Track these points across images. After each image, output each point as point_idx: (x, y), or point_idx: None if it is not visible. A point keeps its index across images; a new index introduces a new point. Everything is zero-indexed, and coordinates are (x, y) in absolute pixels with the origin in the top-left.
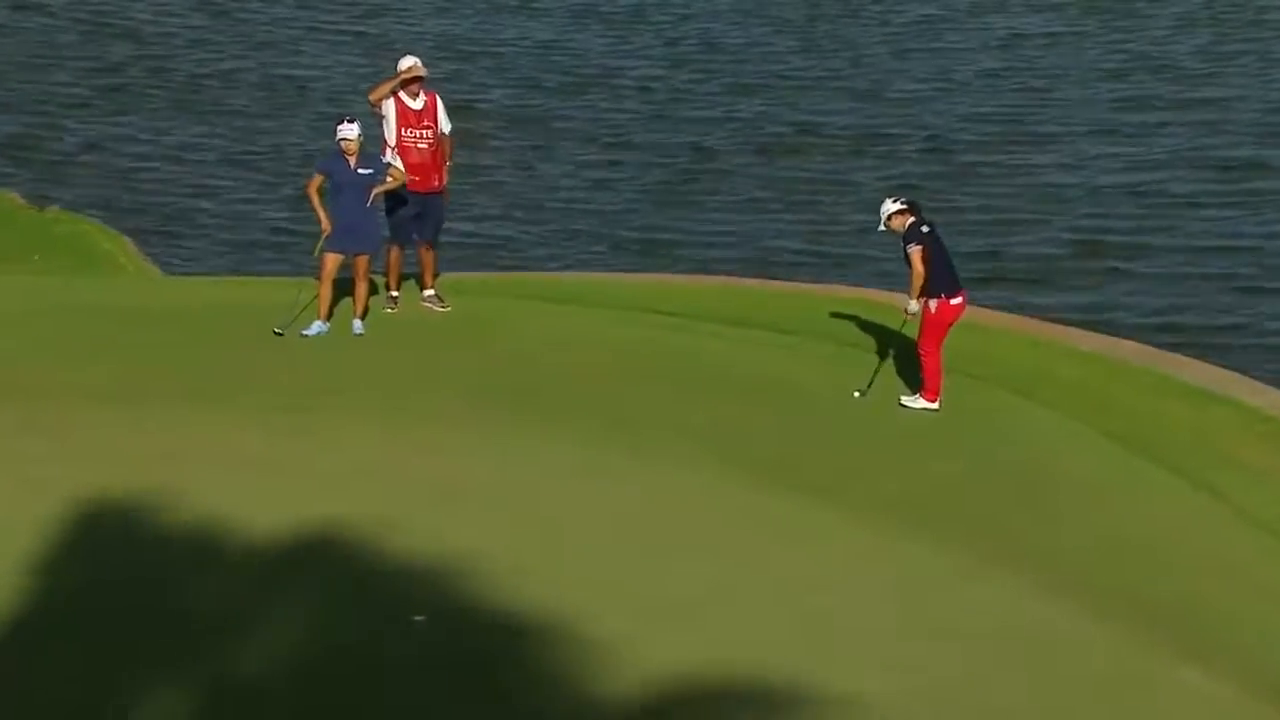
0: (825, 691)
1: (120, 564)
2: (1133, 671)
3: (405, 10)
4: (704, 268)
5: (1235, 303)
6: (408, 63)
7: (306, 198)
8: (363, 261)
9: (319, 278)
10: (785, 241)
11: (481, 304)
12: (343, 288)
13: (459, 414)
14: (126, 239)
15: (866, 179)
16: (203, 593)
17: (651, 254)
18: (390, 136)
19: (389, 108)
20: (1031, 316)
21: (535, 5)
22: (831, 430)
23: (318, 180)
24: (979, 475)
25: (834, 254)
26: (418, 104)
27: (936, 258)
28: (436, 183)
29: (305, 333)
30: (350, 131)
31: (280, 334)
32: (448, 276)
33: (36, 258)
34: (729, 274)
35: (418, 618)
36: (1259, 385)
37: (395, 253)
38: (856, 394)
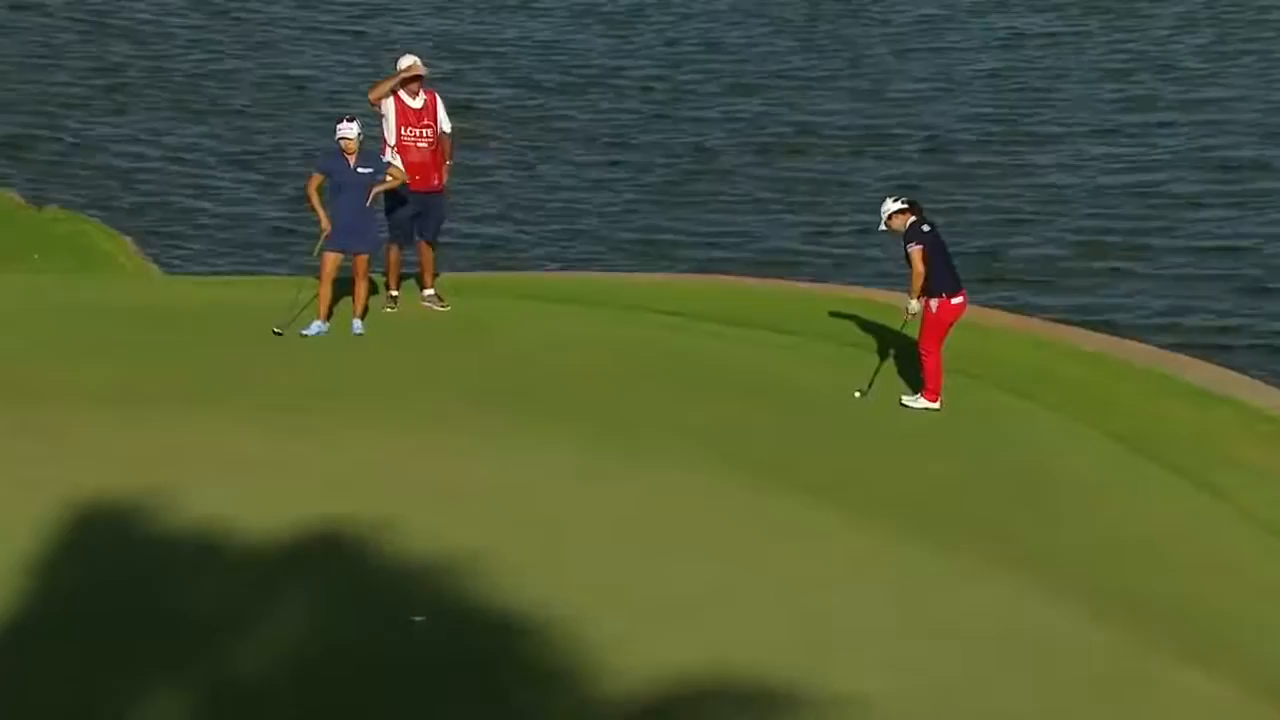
0: (825, 692)
1: (119, 565)
2: (1133, 672)
3: (404, 10)
4: (704, 268)
5: (1237, 303)
6: (407, 61)
7: (306, 197)
8: (362, 261)
9: (319, 277)
10: (786, 242)
11: (481, 304)
12: (342, 287)
13: (459, 414)
14: (126, 238)
15: (867, 179)
16: (202, 594)
17: (652, 254)
18: (390, 135)
19: (388, 107)
20: (1033, 317)
21: (535, 5)
22: (832, 430)
23: (317, 180)
24: (980, 476)
25: (835, 254)
26: (417, 103)
27: (937, 257)
28: (436, 182)
29: (305, 332)
30: (350, 130)
31: (279, 334)
32: (447, 276)
33: (36, 257)
34: (729, 274)
35: (417, 618)
36: (1261, 385)
37: (395, 252)
38: (857, 394)
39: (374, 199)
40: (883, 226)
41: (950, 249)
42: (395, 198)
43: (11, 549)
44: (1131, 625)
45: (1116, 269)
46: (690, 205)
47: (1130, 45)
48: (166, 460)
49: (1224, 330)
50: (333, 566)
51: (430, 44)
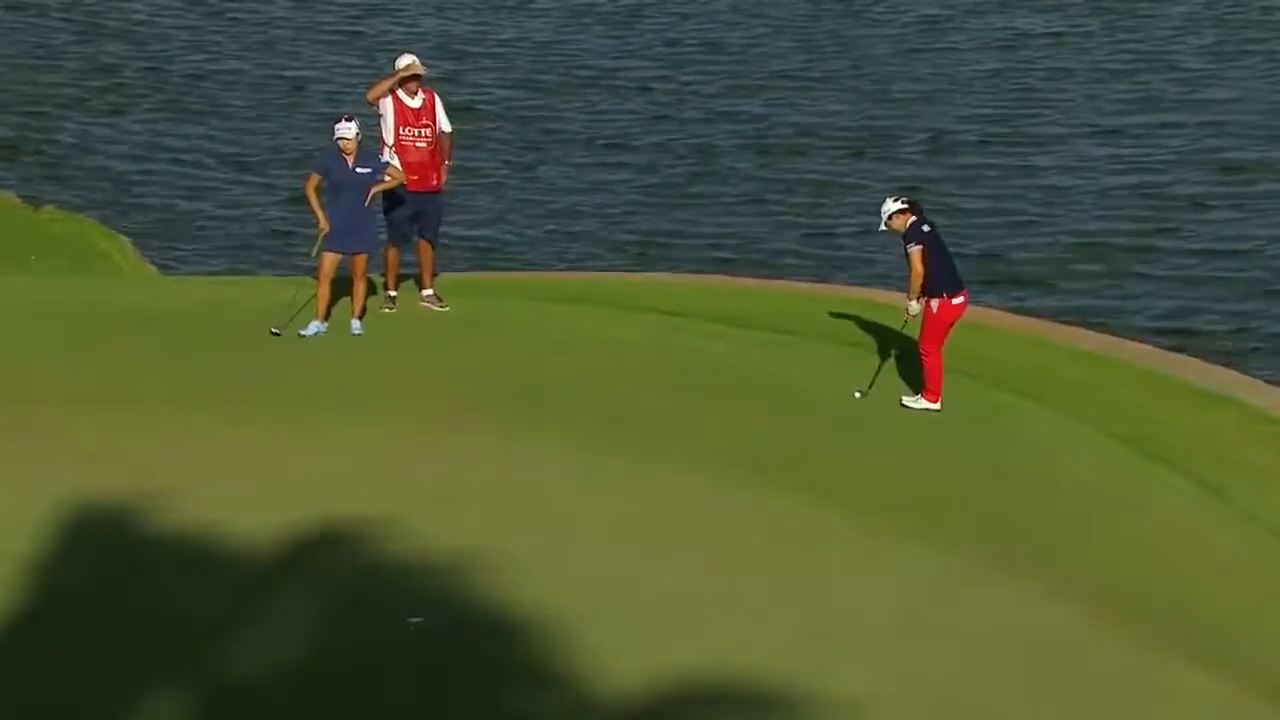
0: (826, 692)
1: (117, 565)
2: (1134, 672)
3: (402, 9)
4: (705, 269)
5: (1240, 304)
6: (405, 61)
7: (304, 197)
8: (360, 261)
9: (317, 277)
10: (786, 243)
11: (480, 304)
12: (341, 288)
13: (458, 415)
14: (123, 239)
15: (868, 180)
16: (200, 594)
17: (652, 255)
18: (388, 135)
19: (387, 106)
20: (1035, 318)
21: (534, 5)
22: (832, 431)
23: (315, 180)
24: (981, 476)
25: (835, 255)
26: (416, 102)
27: (938, 257)
28: (435, 182)
29: (303, 333)
30: (348, 130)
31: (278, 334)
32: (446, 276)
33: (33, 258)
34: (730, 274)
35: (416, 619)
36: (1263, 386)
37: (393, 252)
38: (858, 394)
39: (372, 199)
40: (883, 227)
41: (952, 250)
42: (394, 198)
43: (9, 549)
44: (1133, 626)
45: (1119, 270)
46: (690, 206)
47: (1133, 45)
48: (165, 460)
49: (1227, 332)
50: (331, 567)
51: (429, 44)
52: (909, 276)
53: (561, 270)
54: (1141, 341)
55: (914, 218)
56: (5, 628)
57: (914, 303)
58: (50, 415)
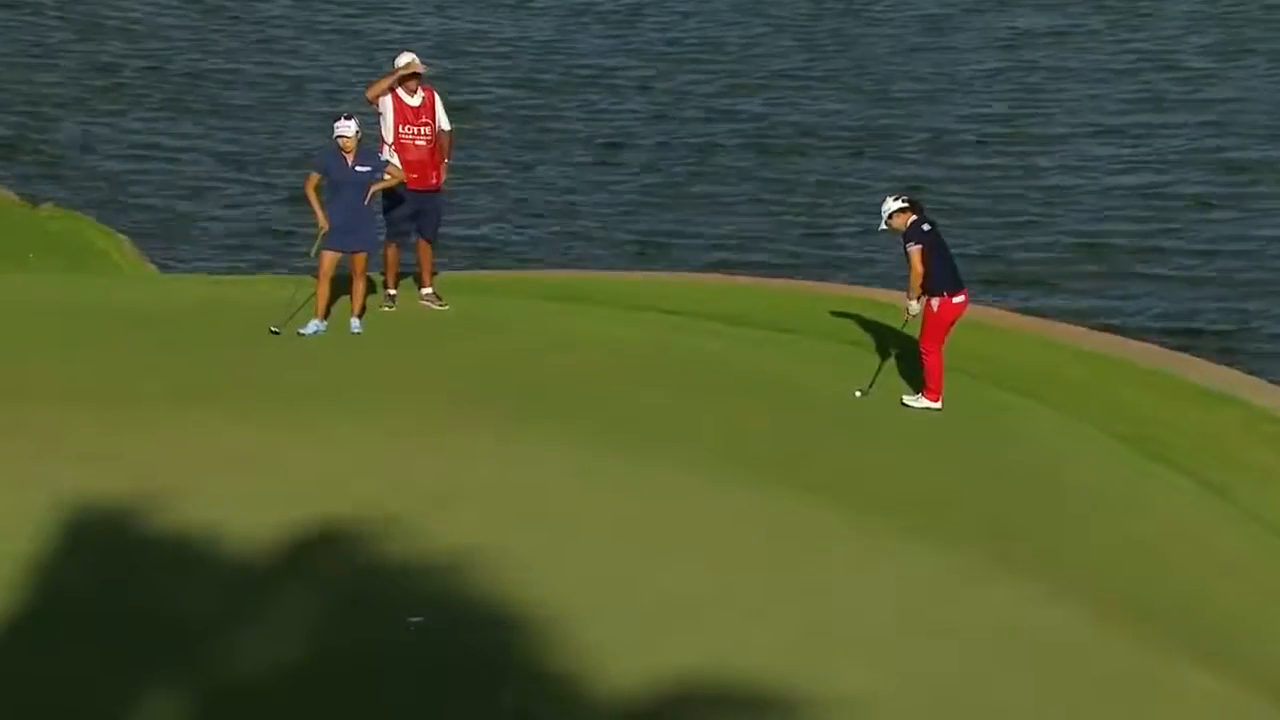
0: (825, 692)
1: (115, 564)
2: (1137, 672)
3: (402, 8)
4: (705, 268)
5: (1243, 304)
6: (405, 59)
7: (304, 196)
8: (360, 260)
9: (316, 276)
10: (786, 242)
11: (480, 302)
12: (340, 286)
13: (457, 414)
14: (121, 237)
15: (869, 179)
16: (199, 593)
17: (652, 254)
18: (388, 134)
19: (386, 104)
20: (1037, 317)
21: (534, 3)
22: (832, 430)
23: (315, 178)
24: (982, 476)
25: (836, 254)
26: (415, 100)
27: (938, 256)
28: (435, 180)
29: (302, 331)
30: (348, 129)
31: (277, 333)
32: (446, 275)
33: (31, 256)
34: (730, 273)
35: (415, 618)
36: (1267, 386)
37: (393, 251)
38: (858, 393)
39: (372, 198)
40: (883, 226)
41: (954, 250)
42: (393, 196)
43: (8, 549)
44: (1135, 626)
45: (1121, 270)
46: (690, 205)
47: (1136, 44)
48: (163, 459)
49: (1230, 331)
50: (330, 566)
51: (428, 43)
52: (909, 276)
53: (561, 269)
54: (1145, 341)
55: (914, 217)
56: (4, 628)
57: (914, 303)
58: (48, 414)
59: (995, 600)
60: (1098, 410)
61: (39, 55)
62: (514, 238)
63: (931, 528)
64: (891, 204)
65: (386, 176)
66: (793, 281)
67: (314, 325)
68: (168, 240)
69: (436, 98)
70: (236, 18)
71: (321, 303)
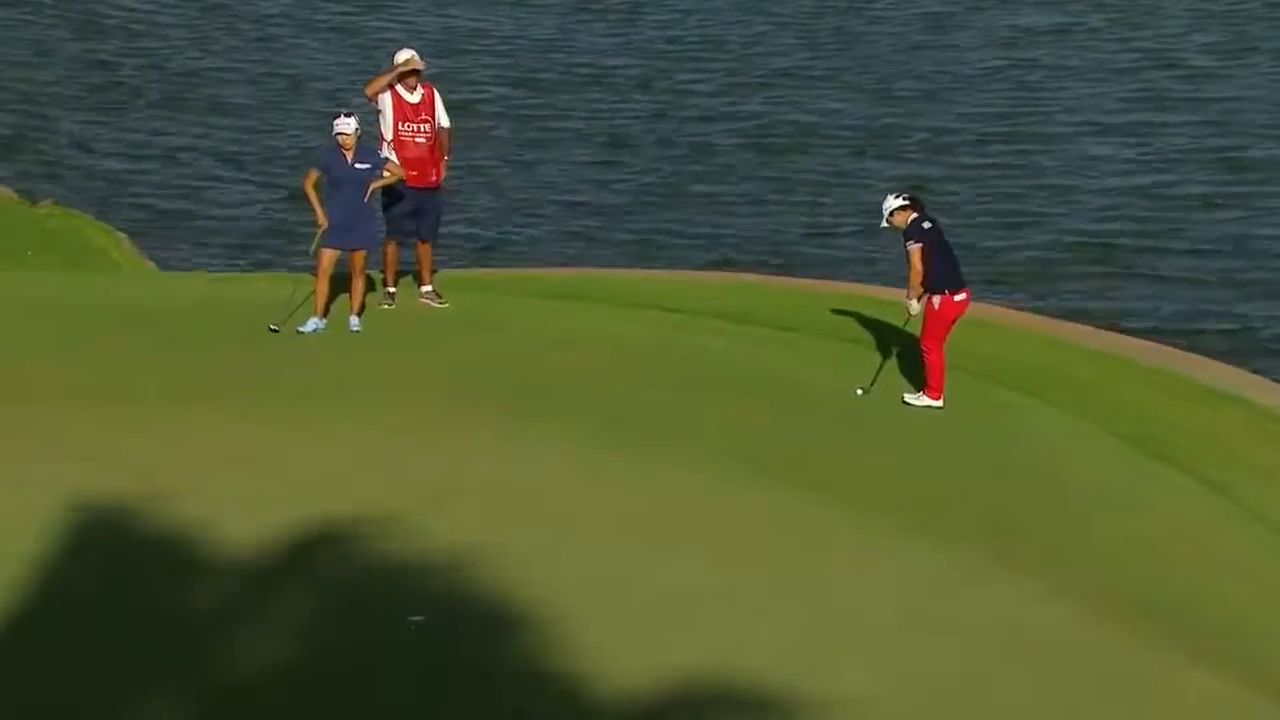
0: (827, 691)
1: (115, 563)
2: (1139, 671)
3: (401, 6)
4: (705, 267)
5: (1247, 304)
6: (404, 56)
7: (303, 193)
8: (359, 257)
9: (315, 274)
10: (787, 241)
11: (480, 300)
12: (339, 284)
13: (457, 412)
14: (120, 235)
15: (871, 178)
16: (198, 593)
17: (652, 253)
18: (387, 131)
19: (386, 102)
20: (1040, 316)
21: (534, 1)
22: (834, 428)
23: (314, 175)
24: (984, 474)
25: (837, 254)
26: (415, 97)
27: (939, 254)
28: (434, 177)
29: (301, 329)
30: (347, 126)
31: (276, 331)
32: (445, 273)
33: (29, 253)
34: (731, 271)
35: (415, 618)
36: (1271, 385)
37: (392, 249)
38: (859, 391)
39: (371, 195)
40: (884, 224)
41: (956, 248)
42: (393, 194)
43: (8, 549)
44: (1137, 625)
45: (1124, 270)
46: (691, 204)
47: (1138, 43)
48: (163, 458)
49: (1234, 332)
50: (330, 565)
51: (428, 41)
52: (909, 275)
53: (561, 267)
54: (1149, 340)
55: (915, 214)
56: (6, 628)
57: (914, 302)
58: (48, 413)
59: (996, 599)
60: (1100, 409)
61: (37, 53)
62: (514, 236)
63: (933, 526)
64: (892, 201)
65: (386, 174)
66: (794, 279)
67: (313, 323)
68: (166, 239)
69: (436, 95)
70: (236, 16)
71: (321, 300)
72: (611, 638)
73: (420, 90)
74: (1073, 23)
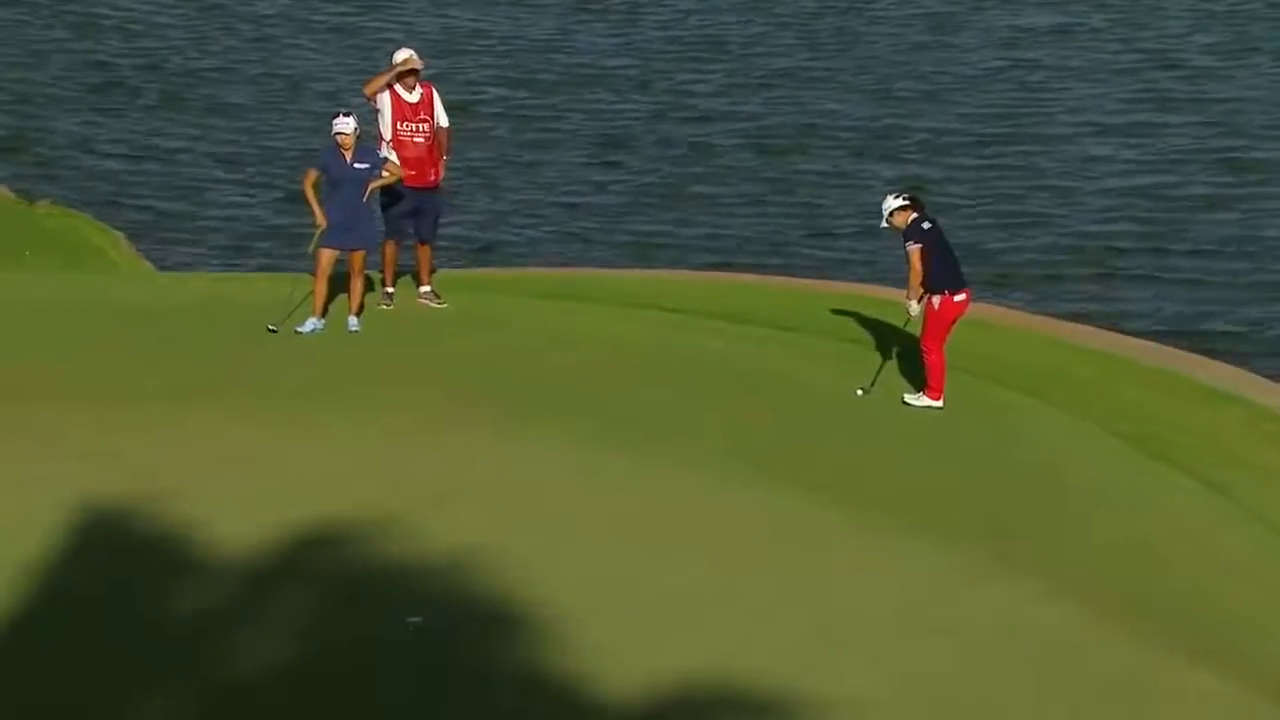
0: (827, 691)
1: (114, 564)
2: (1139, 672)
3: (399, 6)
4: (705, 267)
5: (1249, 305)
6: (403, 55)
7: (302, 193)
8: (358, 257)
9: (314, 274)
10: (787, 241)
11: (478, 300)
12: (338, 284)
13: (456, 412)
14: (118, 234)
15: (871, 179)
16: (198, 593)
17: (651, 254)
18: (386, 130)
19: (384, 101)
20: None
21: (533, 1)
22: (834, 428)
23: (313, 175)
24: (984, 474)
25: (837, 254)
26: (414, 97)
27: (939, 254)
28: (433, 177)
29: (300, 330)
30: (346, 126)
31: (274, 331)
32: (444, 273)
33: (27, 253)
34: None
35: (414, 619)
36: (1270, 385)
37: (391, 249)
38: (859, 392)
39: (370, 195)
40: (884, 224)
41: (956, 249)
42: (391, 194)
43: (6, 549)
44: (1136, 625)
45: (1125, 271)
46: (690, 205)
47: (1139, 43)
48: (162, 458)
49: (1234, 330)
50: (329, 566)
51: (427, 41)
52: (908, 275)
53: (561, 267)
54: (1149, 340)
55: (915, 215)
56: (8, 629)
57: (914, 303)
58: (46, 413)
59: (996, 599)
60: (1100, 409)
61: (35, 53)
62: (513, 237)
63: (933, 526)
64: (892, 202)
65: (385, 173)
66: (794, 279)
67: (312, 323)
68: (164, 239)
69: (435, 94)
70: (234, 16)
71: (319, 301)
72: (611, 638)
73: (419, 90)
74: (1074, 23)
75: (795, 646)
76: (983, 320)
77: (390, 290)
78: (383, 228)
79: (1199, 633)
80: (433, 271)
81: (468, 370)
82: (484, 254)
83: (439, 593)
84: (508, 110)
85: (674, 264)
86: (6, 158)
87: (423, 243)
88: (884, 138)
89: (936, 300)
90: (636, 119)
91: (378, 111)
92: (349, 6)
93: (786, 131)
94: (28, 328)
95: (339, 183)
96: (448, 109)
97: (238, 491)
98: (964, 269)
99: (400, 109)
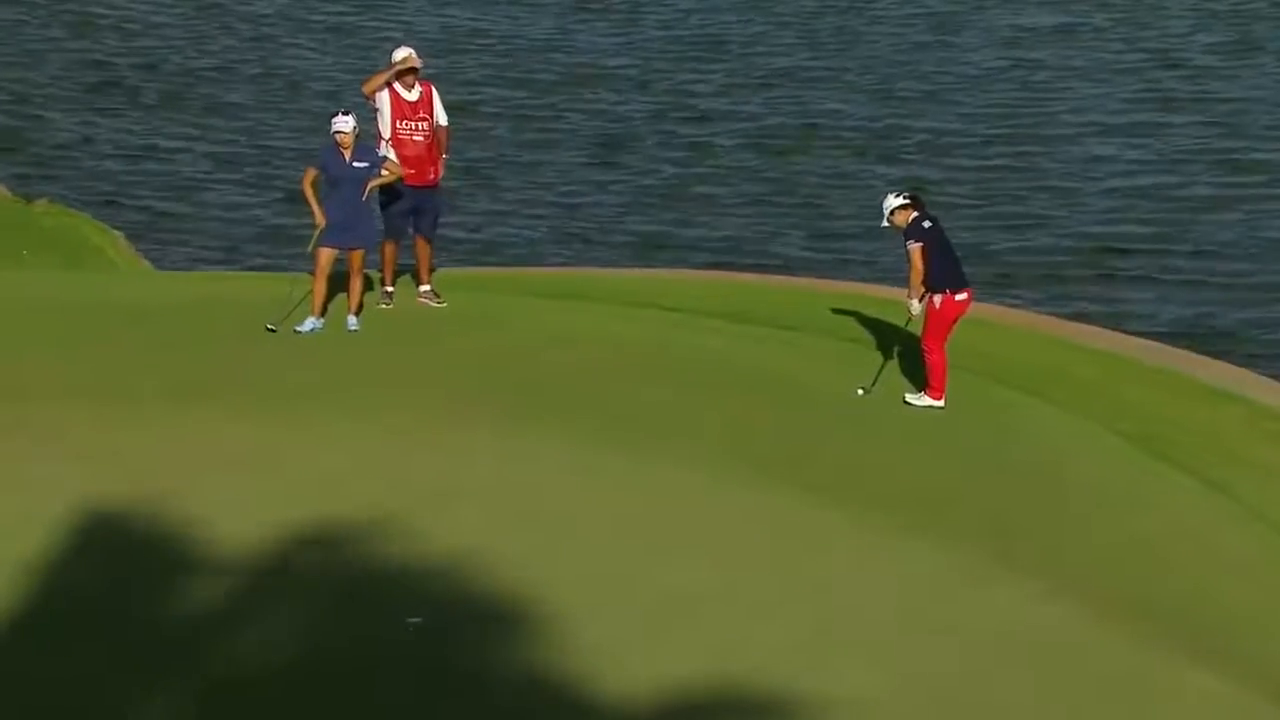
0: (827, 691)
1: (114, 563)
2: (1139, 671)
3: (399, 5)
4: (705, 266)
5: (1252, 306)
6: (402, 53)
7: (301, 191)
8: (357, 256)
9: (313, 273)
10: (788, 242)
11: (478, 299)
12: (337, 283)
13: (456, 411)
14: (117, 233)
15: (872, 179)
16: (197, 593)
17: (651, 254)
18: (385, 129)
19: (383, 100)
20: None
21: (532, 0)
22: (835, 428)
23: (313, 174)
24: (985, 474)
25: (838, 255)
26: (413, 95)
27: (940, 253)
28: (432, 176)
29: (299, 329)
30: (345, 124)
31: (274, 330)
32: (444, 272)
33: (25, 252)
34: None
35: (414, 619)
36: (1271, 384)
37: (390, 248)
38: (860, 391)
39: (369, 193)
40: (885, 223)
41: (958, 249)
42: (391, 192)
43: (5, 547)
44: (1137, 624)
45: (1127, 271)
46: (690, 205)
47: (1142, 42)
48: (161, 458)
49: (1235, 329)
50: (328, 565)
51: (425, 40)
52: (909, 274)
53: (561, 265)
54: (1150, 339)
55: (916, 213)
56: (7, 629)
57: (915, 302)
58: (45, 412)
59: (996, 599)
60: (1101, 408)
61: (32, 52)
62: (512, 237)
63: (933, 526)
64: (893, 200)
65: (384, 172)
66: (795, 278)
67: (311, 323)
68: (163, 238)
69: (434, 92)
70: (231, 15)
71: (319, 300)
72: (611, 638)
73: (418, 88)
74: (1076, 22)
75: (795, 646)
76: (984, 319)
77: (390, 289)
78: (382, 227)
79: (1200, 632)
80: (432, 270)
81: (467, 369)
82: (483, 254)
83: (439, 593)
84: (507, 110)
85: (674, 264)
86: (4, 157)
87: (423, 241)
88: (885, 138)
89: (938, 299)
90: (636, 118)
91: (377, 110)
92: (347, 6)
93: (787, 131)
94: (26, 327)
95: (338, 181)
96: (447, 108)
97: (237, 491)
98: (966, 269)
99: (399, 107)
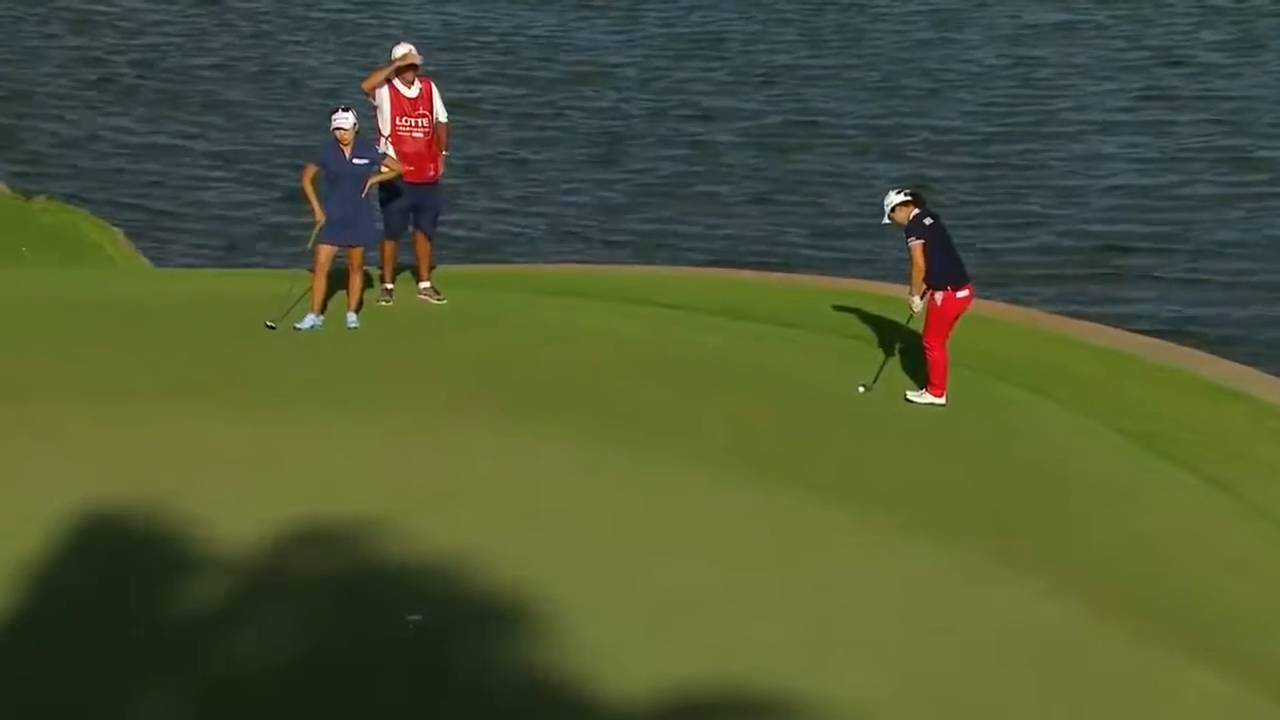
0: (827, 690)
1: (113, 562)
2: (1141, 670)
3: (399, 2)
4: (706, 264)
5: (1255, 304)
6: (402, 50)
7: (301, 188)
8: (357, 254)
9: (312, 270)
10: (789, 240)
11: (478, 297)
12: (337, 280)
13: (456, 409)
14: (116, 230)
15: (873, 177)
16: (196, 592)
17: (651, 252)
18: (385, 126)
19: (383, 96)
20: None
21: None
22: (836, 425)
23: (313, 171)
24: (986, 472)
25: (839, 252)
26: (413, 92)
27: (941, 250)
28: (432, 172)
29: (299, 326)
30: (345, 121)
31: (273, 327)
32: (443, 269)
33: (24, 249)
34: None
35: (414, 618)
36: (1274, 381)
37: (390, 245)
38: (861, 389)
39: (369, 190)
40: (886, 220)
41: (960, 247)
42: (390, 189)
43: (4, 546)
44: (1139, 623)
45: (1130, 269)
46: (691, 202)
47: (1145, 39)
48: (160, 457)
49: (1237, 328)
50: (328, 564)
51: (425, 37)
52: (910, 271)
53: (561, 263)
54: (1153, 337)
55: (917, 210)
56: (4, 628)
57: (916, 299)
58: (44, 410)
59: (997, 597)
60: (1104, 406)
61: (30, 49)
62: (512, 235)
63: (934, 524)
64: (894, 197)
65: (384, 169)
66: (795, 276)
67: (310, 320)
68: (162, 235)
69: (434, 89)
70: (230, 12)
71: (318, 297)
72: (611, 638)
73: (418, 85)
74: (1079, 19)
75: (795, 646)
76: (986, 316)
77: (389, 287)
78: (382, 224)
79: (1201, 631)
80: (432, 268)
81: (467, 367)
82: (482, 252)
83: (438, 591)
84: (507, 107)
85: (674, 261)
86: (3, 154)
87: (423, 239)
88: (887, 135)
89: (939, 296)
90: (637, 116)
91: (376, 107)
92: (347, 2)
93: (788, 129)
94: (25, 324)
95: (338, 178)
96: (447, 105)
97: (236, 490)
98: (967, 267)
99: (399, 104)
